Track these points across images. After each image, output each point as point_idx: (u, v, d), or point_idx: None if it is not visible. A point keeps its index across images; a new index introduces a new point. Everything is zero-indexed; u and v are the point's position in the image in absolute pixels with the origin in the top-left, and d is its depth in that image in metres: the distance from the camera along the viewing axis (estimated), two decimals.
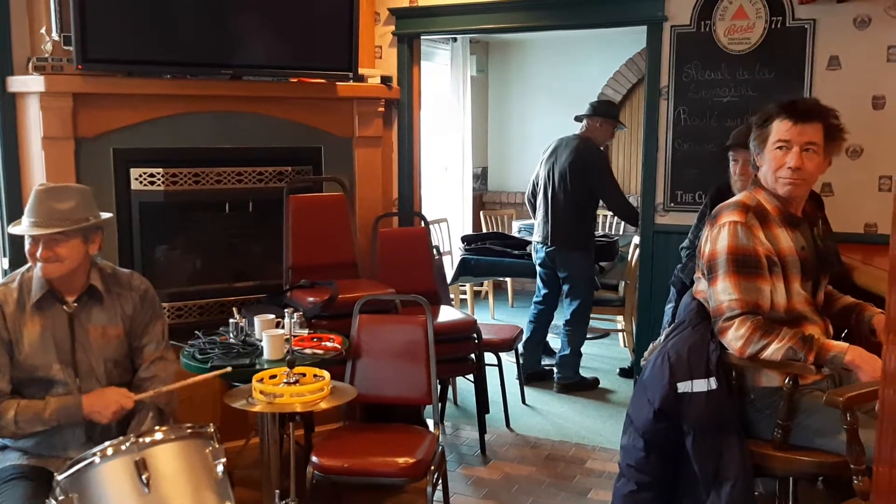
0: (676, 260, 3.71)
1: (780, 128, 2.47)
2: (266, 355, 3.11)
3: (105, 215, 2.58)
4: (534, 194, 5.13)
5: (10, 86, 3.62)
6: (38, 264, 2.44)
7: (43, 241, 2.41)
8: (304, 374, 2.65)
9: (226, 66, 3.94)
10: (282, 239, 4.05)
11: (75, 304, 2.52)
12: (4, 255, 3.65)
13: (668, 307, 3.56)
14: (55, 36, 3.58)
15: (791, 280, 2.47)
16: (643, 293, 4.33)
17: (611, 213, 6.32)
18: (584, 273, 5.01)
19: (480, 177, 7.90)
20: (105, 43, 3.57)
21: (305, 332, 3.39)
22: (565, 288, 5.01)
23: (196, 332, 3.35)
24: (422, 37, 4.82)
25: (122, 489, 1.85)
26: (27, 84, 3.57)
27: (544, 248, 4.98)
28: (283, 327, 3.30)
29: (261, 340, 3.19)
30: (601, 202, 5.12)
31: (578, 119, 5.04)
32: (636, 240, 5.08)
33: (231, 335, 3.32)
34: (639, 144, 6.50)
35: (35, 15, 3.65)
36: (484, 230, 7.38)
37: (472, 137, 7.39)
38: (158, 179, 3.85)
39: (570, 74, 7.42)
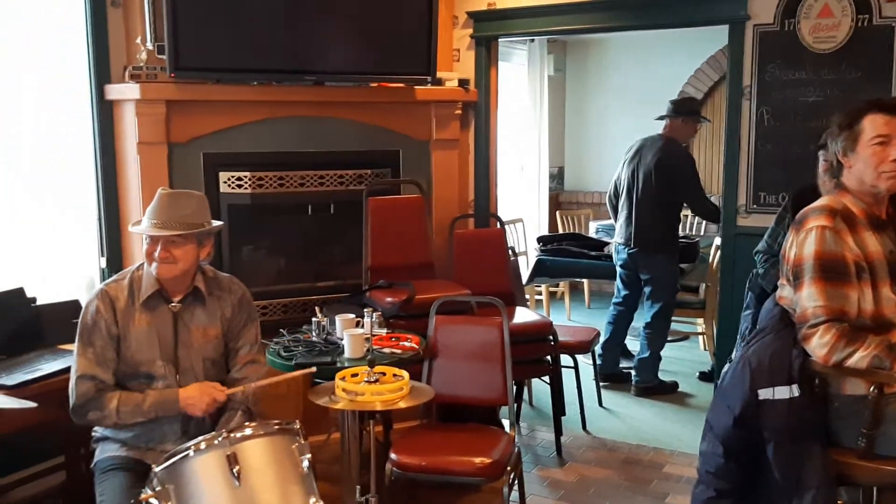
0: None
1: (875, 123, 2.42)
2: (347, 353, 3.19)
3: (216, 223, 2.69)
4: (616, 195, 5.09)
5: (108, 93, 3.81)
6: (154, 264, 2.56)
7: (161, 243, 2.53)
8: (384, 374, 2.71)
9: (309, 73, 4.06)
10: (361, 240, 4.14)
11: (180, 305, 2.64)
12: (102, 255, 3.84)
13: (745, 314, 3.49)
14: (150, 45, 3.75)
15: (879, 285, 2.40)
16: (724, 296, 4.26)
17: (692, 213, 6.22)
18: (667, 276, 4.95)
19: (557, 176, 7.87)
20: (196, 52, 3.72)
21: (384, 331, 3.46)
22: (647, 290, 4.96)
23: (280, 330, 3.46)
24: (499, 39, 4.85)
25: (214, 481, 1.95)
26: (124, 92, 3.75)
27: (626, 250, 4.94)
28: (362, 327, 3.39)
29: (342, 339, 3.28)
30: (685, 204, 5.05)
31: (661, 119, 4.98)
32: (717, 241, 5.00)
33: (313, 333, 3.42)
34: (720, 143, 6.37)
35: (131, 26, 3.82)
36: (560, 231, 7.35)
37: (549, 137, 7.37)
38: (245, 183, 3.99)
39: (650, 73, 7.32)
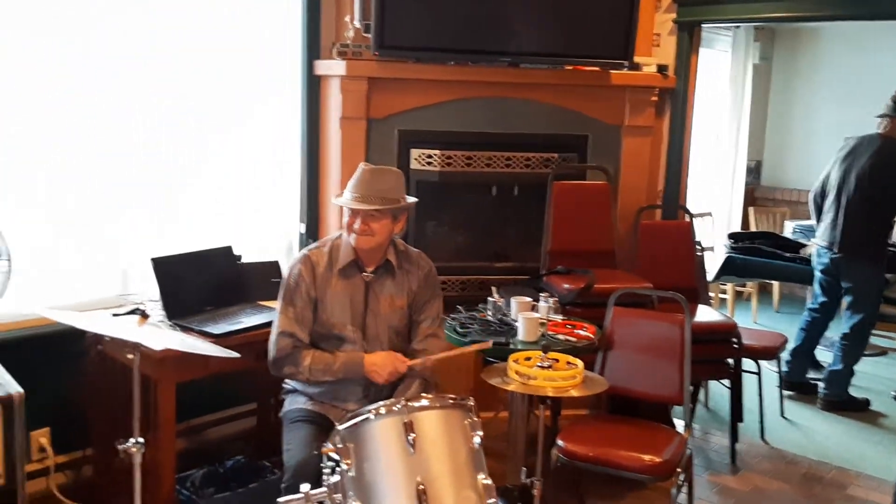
0: None
1: None
2: (520, 336, 3.23)
3: (411, 199, 2.81)
4: (822, 195, 4.76)
5: (317, 69, 4.03)
6: (353, 235, 2.71)
7: (361, 215, 2.68)
8: (557, 360, 2.72)
9: (505, 54, 4.08)
10: (543, 223, 4.15)
11: (372, 275, 2.79)
12: (302, 221, 4.10)
13: None
14: (357, 24, 3.93)
15: None
16: None
17: None
18: (872, 286, 4.59)
19: (754, 170, 7.46)
20: (399, 31, 3.85)
21: (559, 317, 3.47)
22: (847, 299, 4.63)
23: (457, 306, 3.55)
24: (703, 25, 4.64)
25: (390, 446, 2.04)
26: (331, 68, 3.96)
27: (829, 254, 4.62)
28: (538, 311, 3.41)
29: (516, 321, 3.31)
30: None
31: (881, 117, 4.58)
32: None
33: (489, 313, 3.48)
34: None
35: (342, 4, 4.02)
36: (752, 228, 6.97)
37: (749, 128, 6.99)
38: (435, 160, 4.10)
39: (867, 66, 6.72)
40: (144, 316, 2.47)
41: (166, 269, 3.22)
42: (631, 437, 3.10)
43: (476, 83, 4.12)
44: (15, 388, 2.41)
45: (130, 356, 2.42)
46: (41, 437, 3.18)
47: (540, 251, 4.17)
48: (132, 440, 2.44)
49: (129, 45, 3.36)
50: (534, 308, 3.43)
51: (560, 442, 3.03)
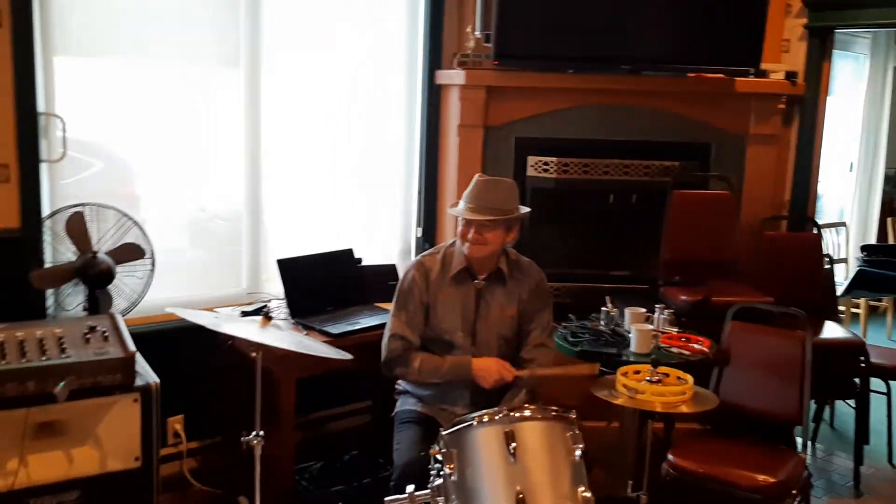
0: None
1: None
2: (632, 347, 3.19)
3: (524, 209, 2.87)
4: None
5: (438, 78, 4.14)
6: (466, 244, 2.80)
7: (475, 226, 2.76)
8: (668, 375, 2.69)
9: (626, 61, 4.05)
10: (660, 233, 4.09)
11: (483, 282, 2.87)
12: (419, 225, 4.22)
13: None
14: (478, 34, 4.00)
15: None
16: None
17: None
18: None
19: (893, 179, 7.04)
20: (519, 40, 3.90)
21: (674, 330, 3.41)
22: None
23: (569, 315, 3.56)
24: (836, 30, 4.44)
25: (492, 453, 2.10)
26: (451, 77, 4.05)
27: None
28: (652, 322, 3.37)
29: (629, 332, 3.29)
30: None
31: None
32: None
33: (601, 322, 3.46)
34: None
35: (463, 15, 4.11)
36: (890, 240, 6.58)
37: (889, 135, 6.60)
38: (551, 168, 4.12)
39: None
40: (268, 318, 2.63)
41: (291, 269, 3.40)
42: (745, 456, 3.02)
43: (594, 91, 4.10)
44: (152, 377, 2.63)
45: (254, 354, 2.59)
46: (176, 423, 3.44)
47: (657, 261, 4.11)
48: (254, 433, 2.61)
49: (272, 60, 3.59)
50: (648, 319, 3.40)
51: (671, 456, 2.99)
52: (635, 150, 4.19)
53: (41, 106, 2.99)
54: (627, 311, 3.43)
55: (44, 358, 2.44)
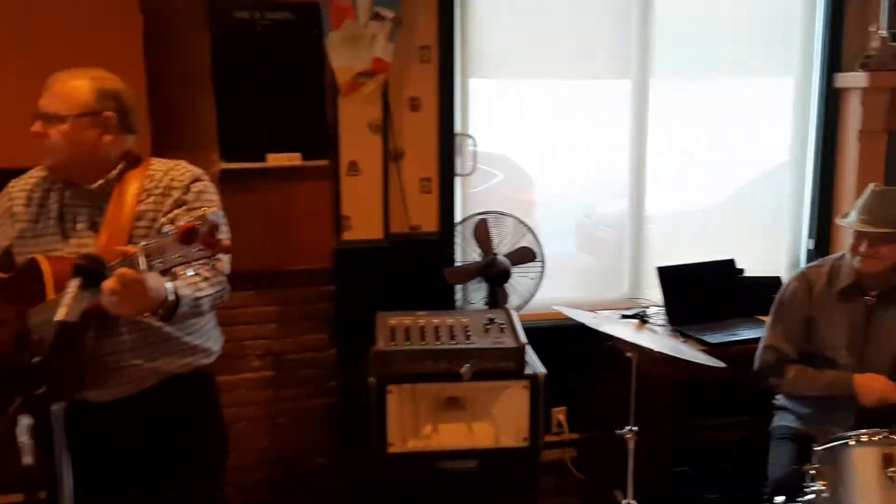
0: None
1: None
2: None
3: None
4: None
5: (836, 81, 3.89)
6: (857, 258, 2.67)
7: (868, 239, 2.63)
8: None
9: None
10: None
11: (875, 299, 2.71)
12: (810, 237, 4.01)
13: None
14: (883, 32, 3.69)
15: None
16: None
17: None
18: None
19: None
20: None
21: None
22: None
23: None
24: None
25: (867, 475, 2.01)
26: (852, 80, 3.79)
27: None
28: None
29: None
30: None
31: None
32: None
33: None
34: None
35: (867, 13, 3.81)
36: None
37: None
38: None
39: None
40: (643, 321, 2.80)
41: (671, 277, 3.51)
42: None
43: None
44: (540, 368, 2.95)
45: (629, 354, 2.76)
46: (559, 414, 3.75)
47: None
48: (627, 427, 2.78)
49: (660, 72, 3.75)
50: None
51: None
52: None
53: (457, 127, 3.51)
54: None
55: (453, 342, 2.89)
